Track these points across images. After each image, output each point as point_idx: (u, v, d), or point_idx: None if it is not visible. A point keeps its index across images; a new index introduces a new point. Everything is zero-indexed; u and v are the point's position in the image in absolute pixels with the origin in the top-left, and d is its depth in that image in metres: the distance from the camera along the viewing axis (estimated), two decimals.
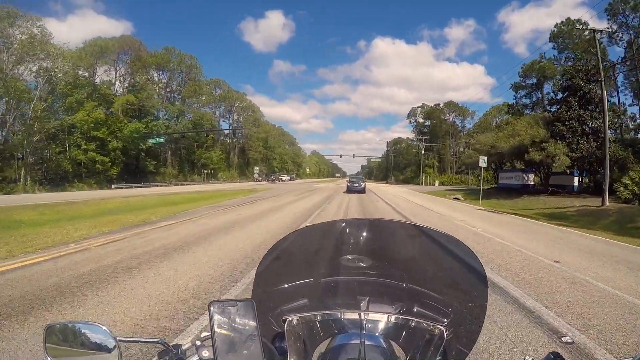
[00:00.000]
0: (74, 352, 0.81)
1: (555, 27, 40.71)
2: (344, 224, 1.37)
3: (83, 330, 0.80)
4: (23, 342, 3.19)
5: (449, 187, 52.83)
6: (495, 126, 54.50)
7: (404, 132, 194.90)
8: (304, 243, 1.33)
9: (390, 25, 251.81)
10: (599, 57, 19.99)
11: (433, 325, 0.99)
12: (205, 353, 0.82)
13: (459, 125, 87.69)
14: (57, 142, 44.66)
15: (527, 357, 0.86)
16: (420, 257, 1.32)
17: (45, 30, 40.80)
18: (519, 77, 45.88)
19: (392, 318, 1.07)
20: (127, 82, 59.37)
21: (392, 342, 1.04)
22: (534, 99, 44.96)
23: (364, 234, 1.30)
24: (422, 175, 72.25)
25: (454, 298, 1.16)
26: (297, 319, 1.01)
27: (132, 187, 43.83)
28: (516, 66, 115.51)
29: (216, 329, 0.76)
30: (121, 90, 57.93)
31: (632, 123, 39.11)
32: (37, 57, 40.35)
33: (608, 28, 26.69)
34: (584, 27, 20.58)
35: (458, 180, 69.54)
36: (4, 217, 12.68)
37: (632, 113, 39.53)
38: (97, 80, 53.75)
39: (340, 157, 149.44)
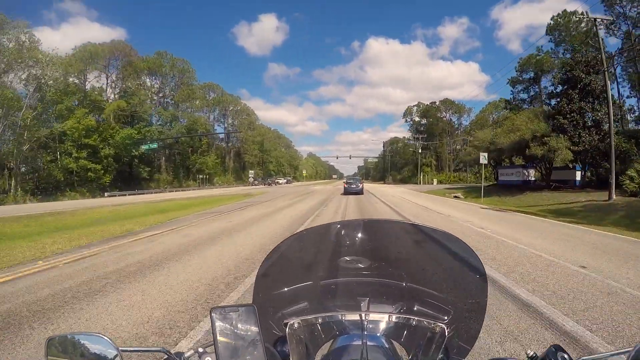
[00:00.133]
0: None
1: (551, 19, 40.22)
2: (339, 226, 1.35)
3: (84, 341, 0.79)
4: None
5: (447, 186, 51.99)
6: (493, 122, 53.79)
7: (401, 131, 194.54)
8: (301, 246, 1.30)
9: (384, 25, 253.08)
10: (601, 46, 19.30)
11: (434, 324, 0.99)
12: None
13: (456, 122, 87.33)
14: (48, 151, 43.93)
15: (528, 351, 0.83)
16: (418, 255, 1.31)
17: (34, 36, 40.18)
18: (516, 71, 45.31)
19: (393, 318, 1.07)
20: (119, 88, 58.53)
21: (394, 342, 1.02)
22: (532, 93, 44.38)
23: (361, 234, 1.28)
24: (420, 175, 71.38)
25: (453, 295, 1.17)
26: (299, 322, 1.01)
27: (125, 195, 43.01)
28: (511, 62, 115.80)
29: (218, 336, 0.76)
30: (113, 96, 57.14)
31: (631, 115, 38.51)
32: (26, 65, 39.71)
33: (605, 18, 26.04)
34: (583, 17, 19.84)
35: (456, 178, 68.97)
36: None
37: (630, 105, 38.99)
38: (88, 87, 52.97)
39: (337, 158, 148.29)
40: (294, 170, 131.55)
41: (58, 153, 44.20)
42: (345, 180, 36.93)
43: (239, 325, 0.77)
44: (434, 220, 13.16)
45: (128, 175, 52.87)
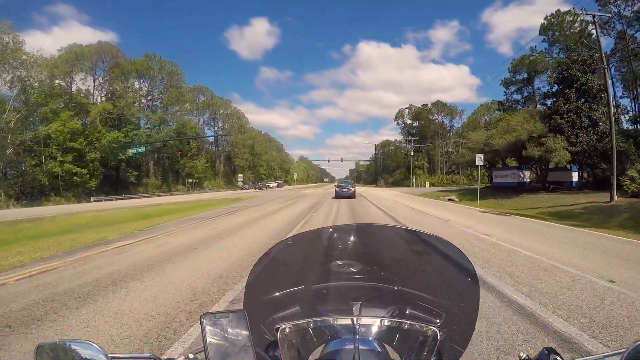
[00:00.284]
0: None
1: (545, 19, 39.86)
2: (331, 230, 1.32)
3: (74, 348, 0.77)
4: None
5: (440, 188, 51.38)
6: (486, 124, 53.27)
7: (393, 134, 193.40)
8: (292, 251, 1.29)
9: (375, 29, 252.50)
10: (599, 43, 18.87)
11: (426, 327, 0.99)
12: None
13: (448, 125, 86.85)
14: (33, 155, 42.65)
15: (521, 354, 0.83)
16: (410, 259, 1.30)
17: (18, 37, 38.99)
18: (509, 72, 44.83)
19: (385, 321, 1.05)
20: (106, 90, 57.16)
21: (386, 346, 1.01)
22: (525, 94, 43.91)
23: (352, 239, 1.28)
24: (412, 177, 70.83)
25: (445, 298, 1.16)
26: (290, 327, 1.00)
27: (112, 200, 41.89)
28: (502, 64, 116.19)
29: (209, 341, 0.76)
30: (100, 99, 55.87)
31: (625, 115, 38.14)
32: (10, 66, 38.48)
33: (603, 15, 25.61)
34: (581, 13, 19.26)
35: (449, 180, 68.46)
36: None
37: (624, 106, 38.64)
38: (74, 89, 51.59)
39: (329, 161, 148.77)
40: (285, 173, 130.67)
41: (43, 157, 42.92)
42: (336, 184, 35.99)
43: (230, 331, 0.77)
44: (432, 226, 12.32)
45: (115, 180, 51.55)
